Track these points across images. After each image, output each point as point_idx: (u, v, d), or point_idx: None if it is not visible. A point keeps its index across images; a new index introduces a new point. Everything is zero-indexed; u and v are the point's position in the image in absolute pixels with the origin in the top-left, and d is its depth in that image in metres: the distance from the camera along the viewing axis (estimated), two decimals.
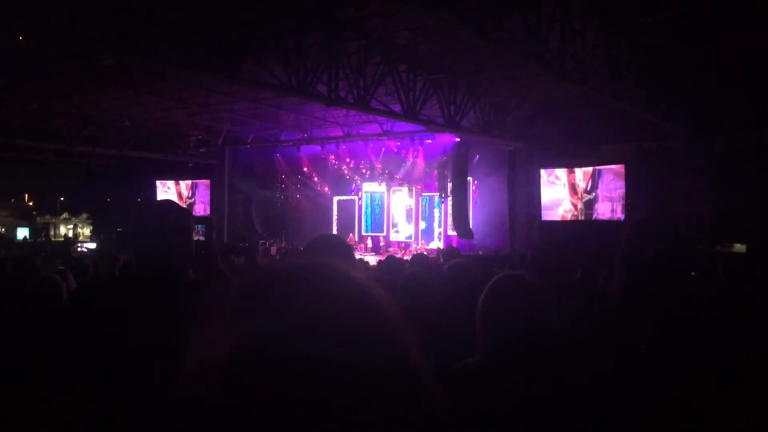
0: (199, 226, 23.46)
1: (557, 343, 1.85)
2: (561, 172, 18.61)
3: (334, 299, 0.59)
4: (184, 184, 25.73)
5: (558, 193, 18.67)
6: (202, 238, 23.88)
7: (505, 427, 1.77)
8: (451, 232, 19.94)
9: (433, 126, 15.98)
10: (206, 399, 0.53)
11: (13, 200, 43.89)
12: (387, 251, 20.25)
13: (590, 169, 18.11)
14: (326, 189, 23.49)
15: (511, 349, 1.83)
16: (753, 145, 15.35)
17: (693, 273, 2.20)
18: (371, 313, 0.60)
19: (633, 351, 1.73)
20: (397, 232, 22.47)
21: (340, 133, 21.53)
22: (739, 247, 15.18)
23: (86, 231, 42.70)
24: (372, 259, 15.53)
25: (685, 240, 1.97)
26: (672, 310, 1.78)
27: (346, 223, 23.13)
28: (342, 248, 2.27)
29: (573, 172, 18.37)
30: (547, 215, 18.75)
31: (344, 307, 0.58)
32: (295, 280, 0.61)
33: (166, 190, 25.75)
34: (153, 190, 25.64)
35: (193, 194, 25.64)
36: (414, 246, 21.24)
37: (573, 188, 18.41)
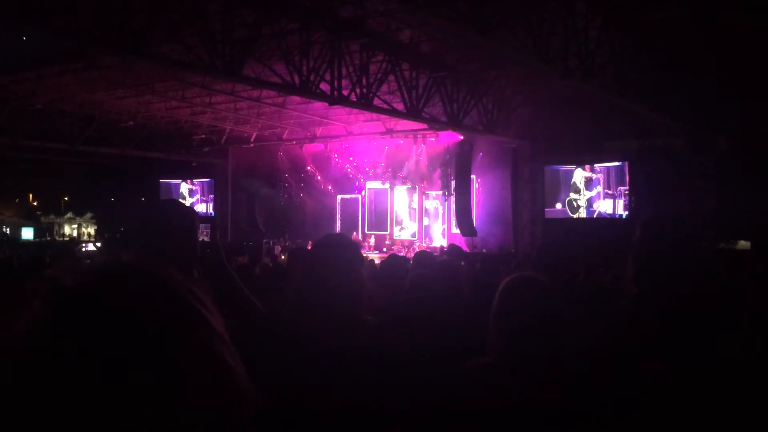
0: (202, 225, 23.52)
1: (570, 340, 1.87)
2: (564, 170, 18.58)
3: (141, 299, 0.65)
4: (188, 184, 25.75)
5: (561, 190, 18.64)
6: (206, 238, 23.92)
7: (520, 424, 1.78)
8: (455, 230, 19.91)
9: (436, 124, 15.97)
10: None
11: (17, 200, 43.97)
12: (391, 249, 20.23)
13: (593, 166, 18.07)
14: (329, 187, 23.46)
15: (525, 347, 1.87)
16: (756, 142, 15.29)
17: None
18: (170, 307, 0.66)
19: (651, 346, 1.75)
20: (401, 229, 22.44)
21: (343, 131, 21.53)
22: (743, 244, 15.12)
23: (90, 231, 42.79)
24: (376, 257, 15.53)
25: (696, 237, 1.98)
26: (687, 306, 1.79)
27: (350, 221, 23.11)
28: (349, 247, 2.25)
29: (576, 169, 18.33)
30: (550, 213, 18.73)
31: (148, 306, 0.65)
32: (113, 283, 0.67)
33: (170, 190, 25.78)
34: (157, 189, 25.67)
35: (197, 193, 25.66)
36: (417, 244, 21.20)
37: (576, 185, 18.38)
